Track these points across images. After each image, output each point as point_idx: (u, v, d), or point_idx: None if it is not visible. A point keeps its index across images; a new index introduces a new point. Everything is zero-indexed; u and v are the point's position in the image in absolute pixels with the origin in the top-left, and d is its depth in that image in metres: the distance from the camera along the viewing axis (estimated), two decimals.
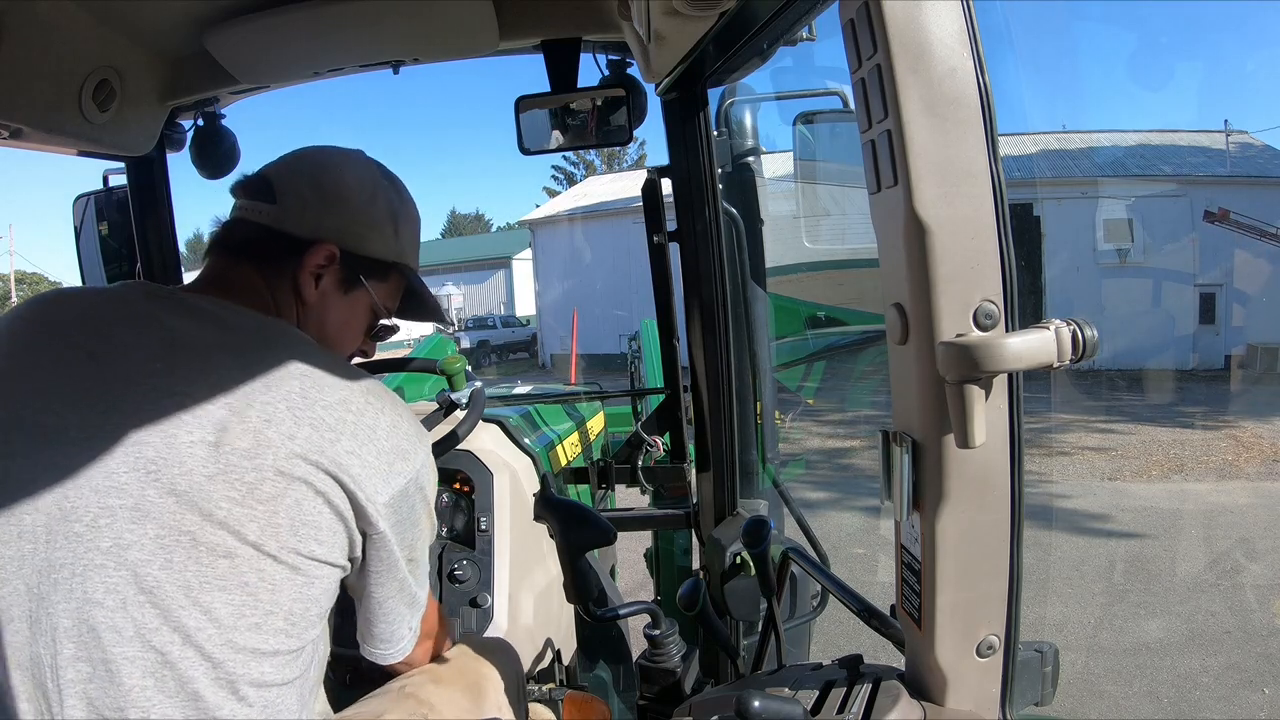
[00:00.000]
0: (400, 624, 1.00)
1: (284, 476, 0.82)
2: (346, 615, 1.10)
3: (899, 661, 0.85)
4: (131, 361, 0.85)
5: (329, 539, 0.86)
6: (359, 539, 0.90)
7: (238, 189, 1.01)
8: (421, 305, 1.11)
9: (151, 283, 0.96)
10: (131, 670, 0.77)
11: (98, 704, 0.77)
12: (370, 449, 0.88)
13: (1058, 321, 0.68)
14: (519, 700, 1.23)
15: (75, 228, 1.77)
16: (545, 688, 1.50)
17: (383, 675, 1.13)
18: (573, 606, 1.27)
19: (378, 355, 1.23)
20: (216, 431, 0.82)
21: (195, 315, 0.90)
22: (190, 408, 0.82)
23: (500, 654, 1.23)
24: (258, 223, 0.97)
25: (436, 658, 1.17)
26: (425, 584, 1.03)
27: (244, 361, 0.86)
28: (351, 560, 0.91)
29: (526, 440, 1.84)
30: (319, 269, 0.98)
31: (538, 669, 1.54)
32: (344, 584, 0.95)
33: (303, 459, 0.83)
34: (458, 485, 1.61)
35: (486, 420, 1.83)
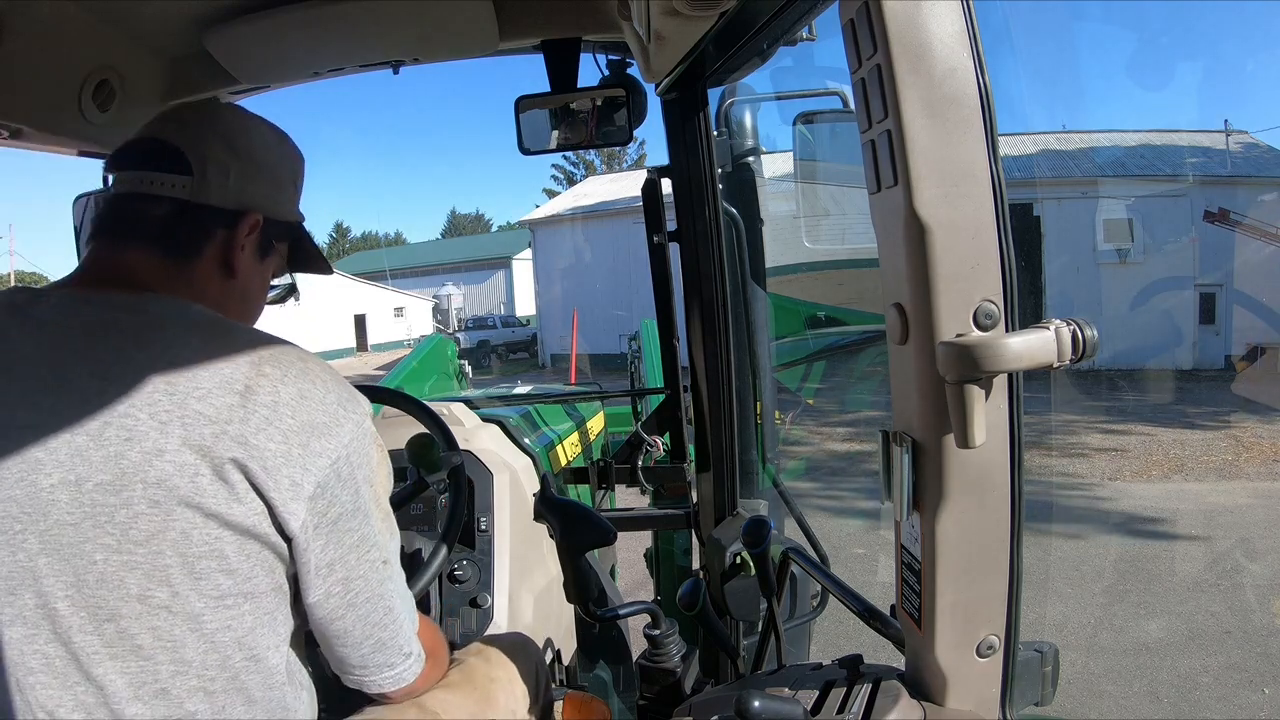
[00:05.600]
0: (391, 650, 0.85)
1: (158, 507, 0.69)
2: None
3: (899, 661, 0.85)
4: None
5: (241, 565, 0.73)
6: (283, 547, 0.75)
7: (128, 161, 0.86)
8: (311, 258, 1.01)
9: (21, 290, 0.83)
10: None
11: None
12: (273, 432, 0.73)
13: (1058, 321, 0.68)
14: (539, 695, 1.20)
15: (75, 228, 1.76)
16: None
17: None
18: (573, 606, 1.26)
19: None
20: (75, 465, 0.69)
21: (56, 326, 0.76)
22: (47, 442, 0.69)
23: (515, 652, 1.20)
24: (170, 197, 0.83)
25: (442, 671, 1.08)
26: (407, 597, 0.88)
27: (100, 368, 0.73)
28: (291, 578, 0.78)
29: (526, 440, 1.84)
30: (245, 240, 0.88)
31: None
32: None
33: (177, 475, 0.70)
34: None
35: (486, 420, 1.84)
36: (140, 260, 0.82)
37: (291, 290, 1.06)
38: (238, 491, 0.72)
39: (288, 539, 0.75)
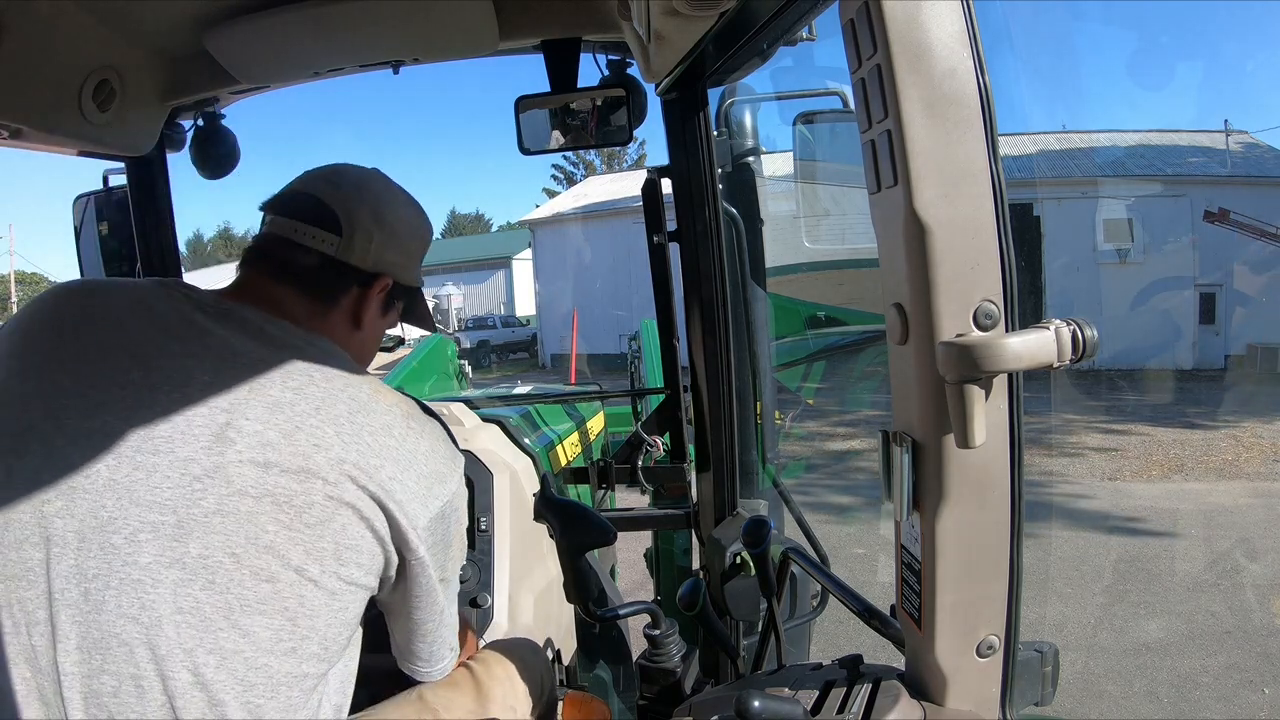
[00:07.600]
0: (440, 644, 1.02)
1: (333, 501, 0.83)
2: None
3: (899, 661, 0.85)
4: (178, 368, 0.84)
5: (368, 563, 0.87)
6: (395, 560, 0.90)
7: (289, 210, 0.99)
8: (422, 314, 1.16)
9: (184, 284, 0.95)
10: (162, 689, 0.77)
11: (118, 719, 0.76)
12: (411, 474, 0.89)
13: (1058, 321, 0.68)
14: (541, 698, 1.21)
15: (75, 228, 1.77)
16: None
17: (385, 676, 1.12)
18: (573, 606, 1.26)
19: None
20: (265, 451, 0.82)
21: (241, 327, 0.89)
22: (239, 425, 0.82)
23: (519, 654, 1.21)
24: (320, 251, 0.97)
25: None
26: (454, 601, 1.04)
27: (292, 382, 0.86)
28: (382, 581, 0.92)
29: (526, 440, 1.84)
30: (375, 298, 1.02)
31: None
32: (374, 599, 0.95)
33: (351, 483, 0.84)
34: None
35: (486, 420, 1.84)
36: (287, 296, 0.96)
37: (400, 343, 1.22)
38: (380, 511, 0.87)
39: (401, 557, 0.91)
